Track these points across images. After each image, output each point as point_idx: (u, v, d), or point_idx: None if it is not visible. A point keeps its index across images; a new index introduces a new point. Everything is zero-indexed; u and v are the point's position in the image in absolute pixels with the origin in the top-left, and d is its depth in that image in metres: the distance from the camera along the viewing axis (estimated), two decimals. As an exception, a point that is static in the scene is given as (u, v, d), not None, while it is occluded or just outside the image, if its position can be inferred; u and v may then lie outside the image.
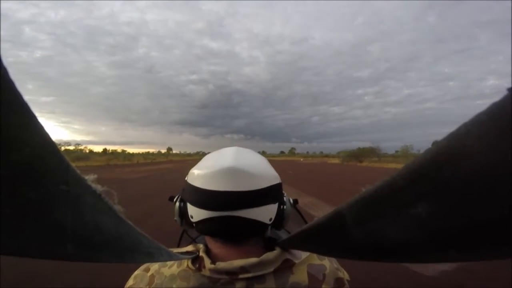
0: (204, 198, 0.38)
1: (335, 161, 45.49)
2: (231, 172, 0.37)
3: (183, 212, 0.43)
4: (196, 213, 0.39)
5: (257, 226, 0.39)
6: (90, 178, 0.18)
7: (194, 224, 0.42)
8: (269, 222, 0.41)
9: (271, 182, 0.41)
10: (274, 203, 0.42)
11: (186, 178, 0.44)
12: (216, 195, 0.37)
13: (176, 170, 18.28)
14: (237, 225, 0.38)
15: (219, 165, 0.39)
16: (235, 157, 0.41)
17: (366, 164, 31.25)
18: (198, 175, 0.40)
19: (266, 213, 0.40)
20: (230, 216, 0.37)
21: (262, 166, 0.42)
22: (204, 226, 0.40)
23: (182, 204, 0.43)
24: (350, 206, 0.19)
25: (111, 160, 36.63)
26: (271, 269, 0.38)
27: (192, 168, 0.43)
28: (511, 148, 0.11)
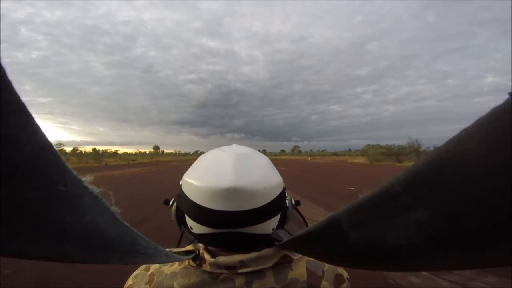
0: (205, 216, 0.37)
1: (358, 160, 35.54)
2: (233, 192, 0.35)
3: (181, 219, 0.43)
4: (196, 227, 0.39)
5: (260, 238, 0.40)
6: (87, 179, 0.18)
7: (194, 236, 0.42)
8: (272, 232, 0.41)
9: (275, 193, 0.40)
10: (277, 213, 0.41)
11: (180, 184, 0.42)
12: (218, 214, 0.36)
13: (128, 183, 10.36)
14: (239, 240, 0.38)
15: (219, 182, 0.36)
16: (236, 171, 0.37)
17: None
18: (195, 189, 0.38)
19: (269, 225, 0.40)
20: (233, 232, 0.37)
21: (266, 177, 0.39)
22: (205, 239, 0.40)
23: (179, 212, 0.43)
24: (347, 212, 0.19)
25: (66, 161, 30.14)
26: (270, 264, 0.38)
27: (187, 175, 0.41)
28: (511, 154, 0.11)
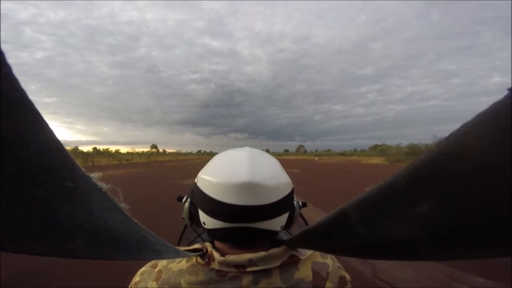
0: (219, 209, 0.38)
1: (374, 160, 32.78)
2: (248, 186, 0.36)
3: (193, 215, 0.44)
4: (209, 222, 0.40)
5: (270, 234, 0.41)
6: (95, 176, 0.18)
7: (206, 230, 0.42)
8: (280, 229, 0.42)
9: (286, 191, 0.41)
10: (287, 212, 0.43)
11: (195, 181, 0.43)
12: (232, 208, 0.37)
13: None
14: (251, 234, 0.39)
15: (235, 177, 0.37)
16: (251, 167, 0.39)
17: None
18: (211, 184, 0.39)
19: (279, 222, 0.41)
20: (245, 227, 0.38)
21: (277, 175, 0.41)
22: (217, 234, 0.41)
23: (192, 207, 0.44)
24: (355, 206, 0.20)
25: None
26: (278, 264, 0.39)
27: (202, 172, 0.43)
28: (511, 148, 0.11)
